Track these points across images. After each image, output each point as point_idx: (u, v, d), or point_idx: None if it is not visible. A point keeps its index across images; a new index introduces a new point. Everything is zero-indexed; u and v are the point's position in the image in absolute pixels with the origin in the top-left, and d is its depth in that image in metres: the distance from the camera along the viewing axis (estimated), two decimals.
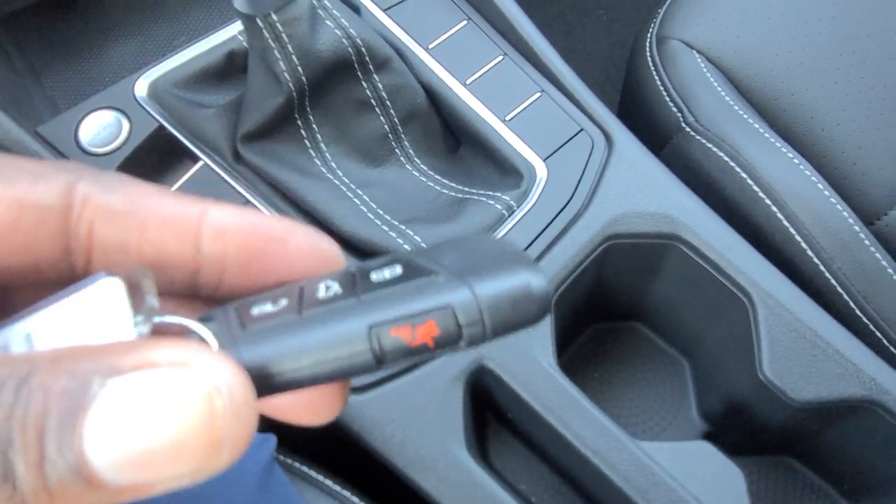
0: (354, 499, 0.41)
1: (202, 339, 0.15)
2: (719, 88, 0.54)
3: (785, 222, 0.47)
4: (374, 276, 0.16)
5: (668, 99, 0.55)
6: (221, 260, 0.15)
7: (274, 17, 0.39)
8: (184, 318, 0.15)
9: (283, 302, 0.15)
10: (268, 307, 0.15)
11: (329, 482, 0.42)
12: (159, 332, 0.14)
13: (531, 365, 0.40)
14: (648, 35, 0.59)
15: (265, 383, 0.14)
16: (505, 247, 0.16)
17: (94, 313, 0.14)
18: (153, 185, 0.15)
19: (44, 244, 0.14)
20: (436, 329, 0.15)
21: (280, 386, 0.14)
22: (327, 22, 0.42)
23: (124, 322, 0.14)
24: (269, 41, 0.40)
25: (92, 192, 0.15)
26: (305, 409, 0.16)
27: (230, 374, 0.12)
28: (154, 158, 0.46)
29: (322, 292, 0.15)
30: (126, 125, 0.46)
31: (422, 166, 0.48)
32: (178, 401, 0.11)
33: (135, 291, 0.15)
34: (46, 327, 0.14)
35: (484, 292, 0.14)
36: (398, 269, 0.16)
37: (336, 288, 0.15)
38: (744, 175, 0.49)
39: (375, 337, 0.15)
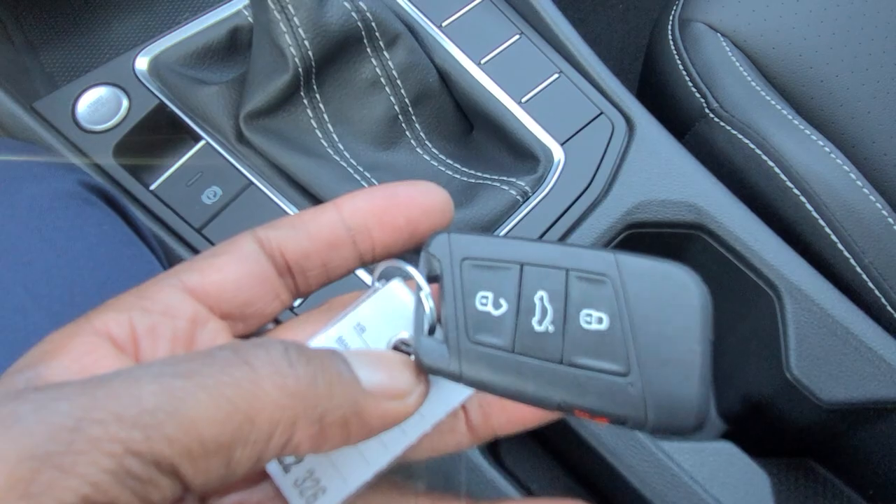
0: None
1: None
2: (745, 73, 0.51)
3: (814, 213, 0.45)
4: (584, 322, 0.19)
5: (690, 83, 0.53)
6: (365, 225, 0.21)
7: None
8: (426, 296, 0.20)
9: (504, 308, 0.19)
10: (489, 309, 0.19)
11: None
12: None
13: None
14: (671, 17, 0.57)
15: (460, 380, 0.19)
16: (693, 349, 0.18)
17: (393, 305, 0.21)
18: (299, 212, 0.22)
19: (270, 279, 0.21)
20: (607, 422, 0.18)
21: (475, 388, 0.20)
22: None
23: (409, 310, 0.21)
24: (275, 13, 0.38)
25: (269, 234, 0.21)
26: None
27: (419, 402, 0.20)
28: (154, 137, 0.44)
29: (536, 324, 0.19)
30: (125, 102, 0.44)
31: (433, 150, 0.46)
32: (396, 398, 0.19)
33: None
34: (366, 320, 0.21)
35: (655, 418, 0.18)
36: (604, 322, 0.19)
37: (548, 323, 0.19)
38: (771, 164, 0.47)
39: (560, 406, 0.19)
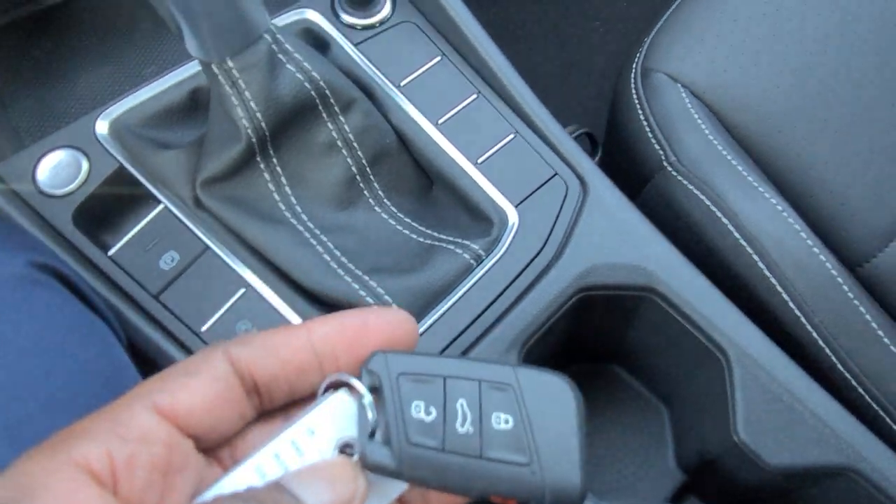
0: None
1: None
2: (703, 126, 0.52)
3: (766, 272, 0.46)
4: (494, 423, 0.23)
5: (650, 135, 0.53)
6: (333, 352, 0.23)
7: (230, 63, 0.38)
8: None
9: (433, 414, 0.23)
10: (422, 415, 0.22)
11: None
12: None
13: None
14: (634, 66, 0.57)
15: (401, 477, 0.22)
16: (574, 441, 0.23)
17: (339, 412, 0.23)
18: (272, 332, 0.23)
19: (238, 401, 0.22)
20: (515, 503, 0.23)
21: (410, 481, 0.23)
22: (288, 66, 0.40)
23: (353, 424, 0.23)
24: (226, 88, 0.39)
25: (241, 355, 0.22)
26: None
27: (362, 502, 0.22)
28: (114, 200, 0.44)
29: (459, 426, 0.23)
30: (85, 165, 0.44)
31: (391, 208, 0.46)
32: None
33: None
34: (315, 425, 0.23)
35: (551, 497, 0.22)
36: (510, 423, 0.23)
37: (468, 425, 0.23)
38: (725, 221, 0.47)
39: (481, 493, 0.23)
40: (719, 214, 0.48)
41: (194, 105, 0.47)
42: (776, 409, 0.40)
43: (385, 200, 0.47)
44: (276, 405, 0.24)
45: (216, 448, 0.23)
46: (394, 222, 0.46)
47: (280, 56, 0.40)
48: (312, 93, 0.41)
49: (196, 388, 0.21)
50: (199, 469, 0.22)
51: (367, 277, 0.42)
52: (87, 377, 0.33)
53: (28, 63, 0.56)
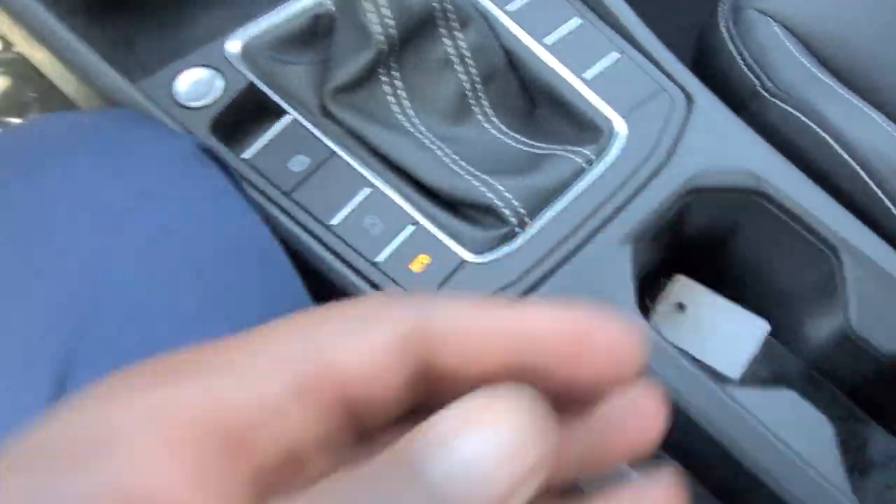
0: None
1: None
2: (798, 55, 0.53)
3: (873, 187, 0.47)
4: None
5: (743, 65, 0.55)
6: (545, 361, 0.14)
7: None
8: None
9: None
10: None
11: None
12: None
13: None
14: (721, 6, 0.59)
15: None
16: None
17: None
18: (474, 304, 0.15)
19: (399, 388, 0.14)
20: None
21: None
22: None
23: None
24: None
25: (431, 322, 0.14)
26: None
27: None
28: (246, 113, 0.48)
29: None
30: (220, 82, 0.48)
31: (499, 125, 0.49)
32: None
33: None
34: None
35: None
36: None
37: None
38: (828, 139, 0.48)
39: None
40: (821, 133, 0.49)
41: (315, 31, 0.50)
42: (888, 298, 0.40)
43: (493, 118, 0.49)
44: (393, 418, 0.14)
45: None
46: (502, 137, 0.49)
47: None
48: (436, 4, 0.44)
49: (362, 349, 0.13)
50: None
51: (486, 176, 0.44)
52: (244, 242, 0.36)
53: (154, 4, 0.61)
